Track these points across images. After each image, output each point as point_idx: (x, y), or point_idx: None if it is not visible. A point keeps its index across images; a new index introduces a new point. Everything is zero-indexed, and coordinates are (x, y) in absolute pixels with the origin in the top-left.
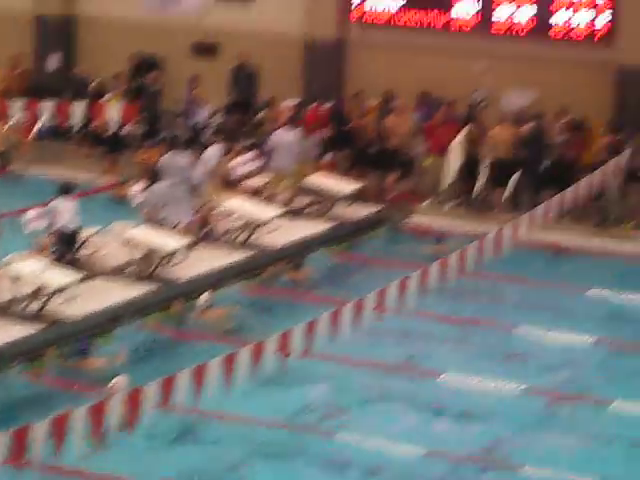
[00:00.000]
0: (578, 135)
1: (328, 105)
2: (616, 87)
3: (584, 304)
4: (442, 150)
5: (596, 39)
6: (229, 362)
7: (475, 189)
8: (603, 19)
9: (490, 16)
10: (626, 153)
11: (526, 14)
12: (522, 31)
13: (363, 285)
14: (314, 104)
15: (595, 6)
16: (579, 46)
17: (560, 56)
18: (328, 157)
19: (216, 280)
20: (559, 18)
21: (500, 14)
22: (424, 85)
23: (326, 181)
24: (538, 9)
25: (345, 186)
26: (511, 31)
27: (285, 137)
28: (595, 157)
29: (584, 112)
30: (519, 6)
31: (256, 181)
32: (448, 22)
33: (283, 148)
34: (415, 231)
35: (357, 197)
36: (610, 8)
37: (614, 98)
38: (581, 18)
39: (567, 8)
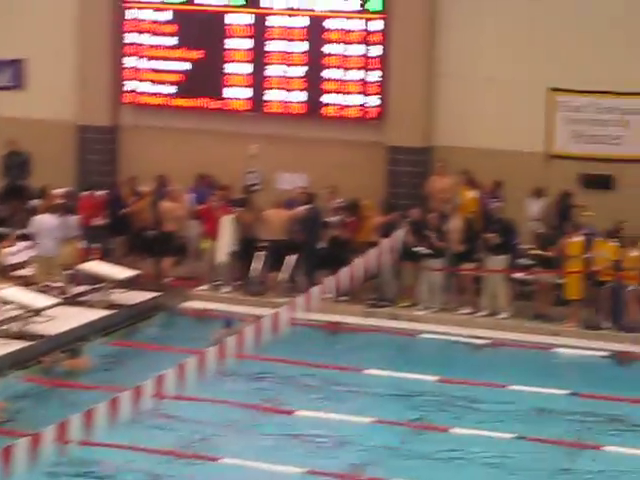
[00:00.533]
0: (352, 215)
1: (103, 191)
2: (387, 167)
3: (362, 383)
4: (217, 233)
5: (367, 120)
6: (6, 454)
7: (251, 272)
8: (373, 102)
9: (263, 98)
10: (399, 232)
11: (298, 96)
12: (295, 112)
13: (142, 371)
14: (88, 191)
15: (365, 90)
16: (351, 127)
17: (333, 137)
18: (103, 243)
19: None
20: (330, 100)
21: (273, 96)
22: (199, 168)
23: (102, 267)
24: (309, 91)
25: (121, 272)
26: (284, 112)
27: (47, 222)
28: (369, 237)
29: (358, 192)
30: (290, 90)
31: (29, 269)
32: (221, 105)
33: (46, 233)
34: (194, 315)
35: (134, 283)
36: (378, 93)
37: (386, 178)
38: (352, 100)
39: (337, 91)
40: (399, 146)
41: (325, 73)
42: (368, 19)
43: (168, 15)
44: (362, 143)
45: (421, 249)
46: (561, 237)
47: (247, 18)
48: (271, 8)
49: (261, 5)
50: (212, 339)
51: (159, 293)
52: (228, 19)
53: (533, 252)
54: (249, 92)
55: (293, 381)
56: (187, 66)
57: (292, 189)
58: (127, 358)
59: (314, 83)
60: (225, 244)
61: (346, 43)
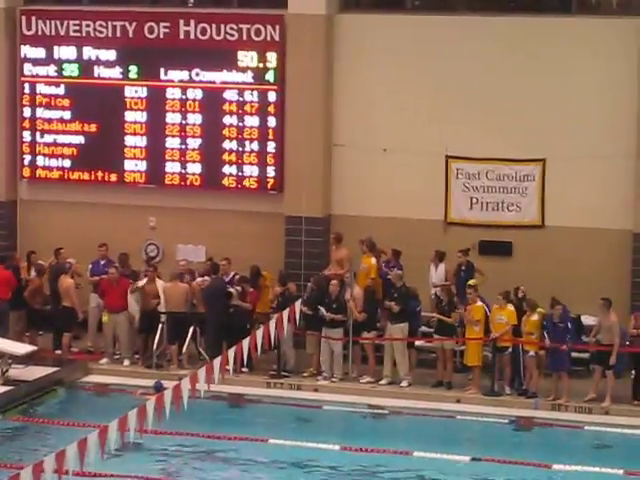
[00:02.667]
0: (252, 285)
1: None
2: (286, 237)
3: (266, 454)
4: (117, 306)
5: (265, 191)
6: None
7: (153, 345)
8: (271, 172)
9: (162, 170)
10: (298, 302)
11: (195, 168)
12: (193, 184)
13: (42, 447)
14: None
15: (262, 161)
16: (250, 198)
17: (231, 208)
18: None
19: None
20: (228, 171)
21: (170, 168)
22: (98, 241)
23: (0, 343)
24: (207, 163)
25: (20, 347)
26: (182, 184)
27: None
28: (268, 307)
29: (258, 263)
30: (187, 162)
31: None
32: (119, 178)
33: None
34: (95, 389)
35: (32, 358)
36: (275, 164)
37: (285, 248)
38: (250, 171)
39: (235, 163)
40: (297, 216)
41: (222, 144)
42: (263, 90)
43: (61, 89)
44: (261, 214)
45: (323, 311)
46: (461, 303)
47: (143, 91)
48: (168, 80)
49: (158, 77)
50: (140, 401)
51: (59, 368)
52: (126, 92)
53: (433, 319)
54: (146, 164)
55: (196, 454)
56: (82, 139)
57: (191, 260)
58: (27, 434)
59: (211, 155)
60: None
61: (242, 114)
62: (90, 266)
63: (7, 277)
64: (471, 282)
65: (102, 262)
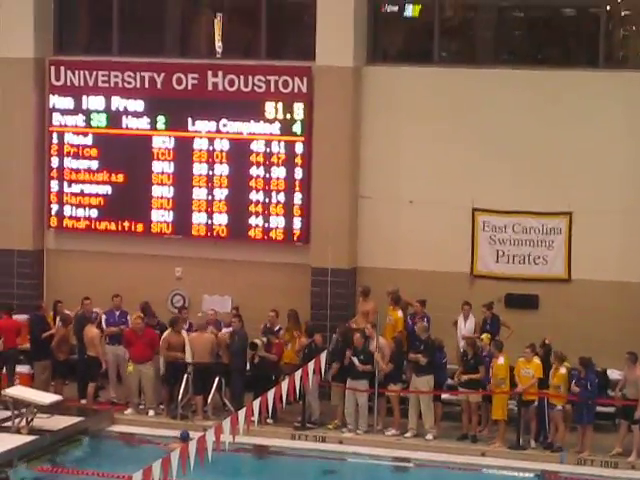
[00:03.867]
0: (279, 336)
1: (27, 315)
2: (312, 289)
3: None
4: (143, 357)
5: (292, 242)
6: None
7: (178, 395)
8: (297, 224)
9: (188, 221)
10: (323, 354)
11: (221, 219)
12: (219, 235)
13: None
14: (7, 313)
15: (288, 212)
16: (276, 249)
17: (257, 259)
18: (26, 368)
19: None
20: (254, 222)
21: (198, 219)
22: (124, 290)
23: (25, 392)
24: (233, 214)
25: (45, 397)
26: (208, 235)
27: None
28: (294, 358)
29: (283, 314)
30: (214, 212)
31: None
32: (147, 227)
33: None
34: (120, 439)
35: (58, 408)
36: (301, 215)
37: (310, 300)
38: (276, 222)
39: (261, 214)
40: (323, 268)
41: (249, 195)
42: (290, 142)
43: (89, 139)
44: (287, 265)
45: (355, 360)
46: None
47: (171, 141)
48: (195, 131)
49: (186, 128)
50: (168, 449)
51: (84, 417)
52: (153, 142)
53: (459, 375)
54: (173, 215)
55: None
56: (109, 189)
57: (217, 312)
58: None
59: (238, 205)
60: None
61: (269, 165)
62: (104, 317)
63: (27, 326)
64: (484, 337)
65: (117, 312)
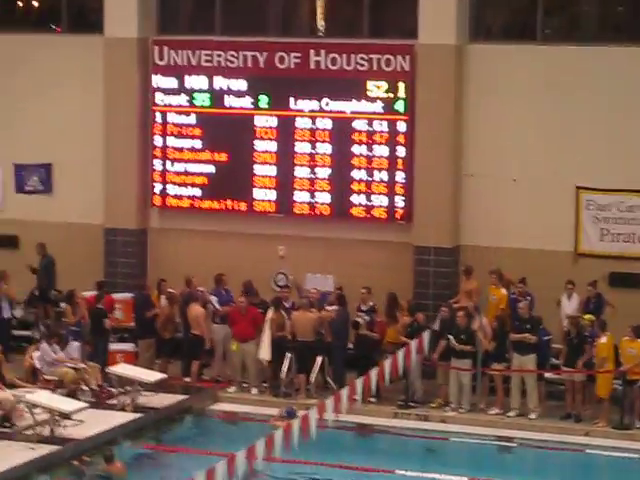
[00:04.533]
0: (388, 314)
1: (131, 294)
2: (415, 268)
3: None
4: (246, 335)
5: (394, 221)
6: None
7: (280, 373)
8: (400, 202)
9: (291, 200)
10: (426, 333)
11: (324, 198)
12: (322, 213)
13: (172, 475)
14: (114, 293)
15: (391, 190)
16: (378, 228)
17: (360, 237)
18: (130, 346)
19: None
20: (357, 201)
21: (300, 198)
22: (227, 270)
23: (131, 370)
24: (336, 192)
25: (150, 375)
26: (311, 214)
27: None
28: (397, 337)
29: (385, 293)
30: (316, 191)
31: (59, 372)
32: (249, 206)
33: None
34: (223, 417)
35: (162, 386)
36: (404, 194)
37: (413, 278)
38: (378, 201)
39: (363, 192)
40: (426, 246)
41: (351, 174)
42: (392, 120)
43: (192, 118)
44: (389, 243)
45: (453, 341)
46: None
47: (273, 120)
48: (297, 110)
49: (288, 107)
50: (273, 427)
51: (188, 396)
52: (256, 121)
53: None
54: (275, 194)
55: None
56: (213, 168)
57: (321, 290)
58: (157, 461)
59: (340, 184)
60: (264, 346)
61: (371, 144)
62: (214, 298)
63: (132, 304)
64: (586, 317)
65: (223, 292)
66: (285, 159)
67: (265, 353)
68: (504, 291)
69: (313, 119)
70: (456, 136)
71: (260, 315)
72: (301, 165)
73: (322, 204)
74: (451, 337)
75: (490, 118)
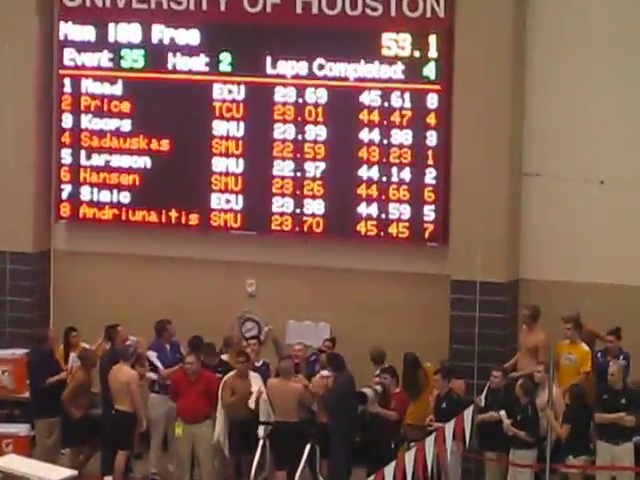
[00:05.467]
0: (405, 383)
1: (24, 351)
2: (451, 312)
3: None
4: (198, 413)
5: (419, 242)
6: None
7: (251, 470)
8: (427, 214)
9: (266, 210)
10: (468, 411)
11: (317, 207)
12: (314, 230)
13: None
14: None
15: (414, 197)
16: (394, 252)
17: (369, 266)
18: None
19: None
20: (365, 211)
21: (280, 207)
22: (171, 313)
23: (21, 464)
24: (333, 200)
25: (52, 472)
26: (298, 230)
27: None
28: (425, 416)
29: (405, 349)
30: (304, 197)
31: None
32: (204, 219)
33: None
34: None
35: None
36: (433, 202)
37: (449, 328)
38: (395, 212)
39: (377, 199)
40: (469, 280)
41: (357, 172)
42: (419, 91)
43: (119, 87)
44: (414, 276)
45: (504, 418)
46: None
47: (240, 91)
48: (277, 76)
49: (263, 71)
50: None
51: None
52: (214, 92)
53: None
54: (243, 201)
55: None
56: (148, 162)
57: (309, 345)
58: None
59: (340, 187)
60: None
61: (387, 127)
62: (153, 353)
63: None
64: None
65: (168, 346)
66: (258, 149)
67: (223, 434)
68: (585, 348)
69: (300, 89)
70: (515, 114)
71: (217, 382)
72: (282, 158)
73: (313, 217)
74: (504, 416)
75: (563, 90)
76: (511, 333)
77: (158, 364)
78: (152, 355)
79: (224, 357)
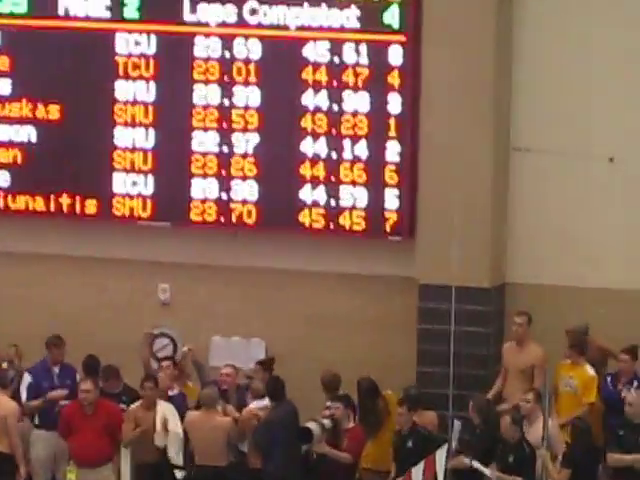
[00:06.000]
0: (363, 414)
1: None
2: (419, 325)
3: None
4: (94, 455)
5: (383, 236)
6: None
7: None
8: (390, 202)
9: (183, 195)
10: (441, 451)
11: (248, 191)
12: (245, 220)
13: None
14: None
15: (376, 178)
16: (352, 248)
17: (317, 267)
18: None
19: None
20: (310, 197)
21: (202, 192)
22: (60, 328)
23: None
24: (269, 182)
25: None
26: (225, 221)
27: None
28: (386, 456)
29: (361, 370)
30: (232, 177)
31: None
32: (104, 207)
33: None
34: None
35: None
36: (399, 185)
37: (416, 343)
38: (352, 198)
39: (324, 182)
40: (442, 285)
41: (299, 147)
42: (379, 44)
43: None
44: (372, 279)
45: (480, 466)
46: None
47: (151, 42)
48: (195, 24)
49: (179, 16)
50: None
51: None
52: (117, 44)
53: None
54: (154, 184)
55: None
56: (34, 134)
57: (240, 368)
58: None
59: (277, 165)
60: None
61: (338, 89)
62: (28, 377)
63: None
64: None
65: (56, 369)
66: (172, 117)
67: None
68: (590, 372)
69: (227, 41)
70: (499, 74)
71: (122, 416)
72: (203, 128)
73: (243, 204)
74: (476, 462)
75: (560, 45)
76: (496, 352)
77: (23, 395)
78: (25, 380)
79: None
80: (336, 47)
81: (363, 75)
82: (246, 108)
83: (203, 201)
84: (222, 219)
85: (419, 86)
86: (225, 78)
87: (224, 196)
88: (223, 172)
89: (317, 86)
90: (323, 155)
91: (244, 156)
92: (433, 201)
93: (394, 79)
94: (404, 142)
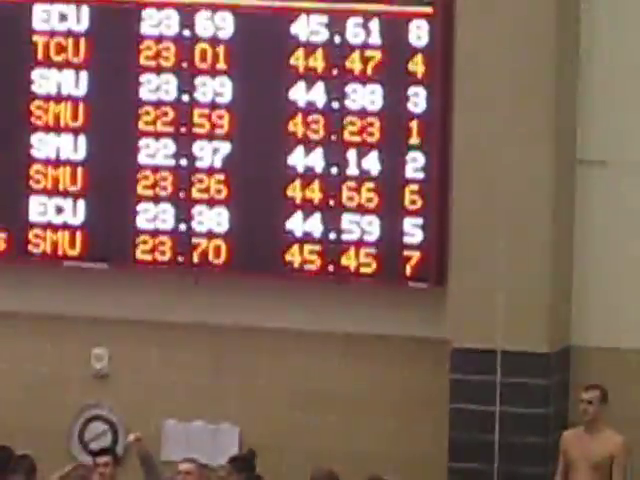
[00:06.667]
0: None
1: None
2: (451, 403)
3: None
4: None
5: (403, 283)
6: None
7: None
8: (415, 235)
9: (125, 225)
10: None
11: (217, 218)
12: (214, 262)
13: None
14: None
15: (391, 205)
16: (359, 299)
17: (311, 326)
18: None
19: None
20: (301, 228)
21: (151, 221)
22: None
23: None
24: (245, 207)
25: None
26: (183, 261)
27: None
28: None
29: (377, 464)
30: (194, 202)
31: None
32: (18, 241)
33: None
34: None
35: None
36: (424, 212)
37: (448, 427)
38: (359, 231)
39: (320, 207)
40: (484, 349)
41: (286, 158)
42: (397, 20)
43: None
44: (382, 340)
45: None
46: None
47: (83, 14)
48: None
49: None
50: None
51: None
52: (34, 19)
53: None
54: (85, 207)
55: None
56: None
57: (205, 464)
58: None
59: (257, 185)
60: None
61: (340, 79)
62: None
63: None
64: None
65: None
66: (111, 119)
67: None
68: None
69: (187, 15)
70: (562, 69)
71: None
72: (154, 134)
73: (208, 238)
74: None
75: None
76: (557, 440)
77: None
78: None
79: None
80: (337, 22)
81: (374, 61)
82: (213, 106)
83: (153, 234)
84: (180, 259)
85: (451, 76)
86: (184, 65)
87: (182, 227)
88: (181, 194)
89: (311, 76)
90: (319, 170)
91: (210, 172)
92: (470, 234)
93: (417, 66)
94: (430, 153)
